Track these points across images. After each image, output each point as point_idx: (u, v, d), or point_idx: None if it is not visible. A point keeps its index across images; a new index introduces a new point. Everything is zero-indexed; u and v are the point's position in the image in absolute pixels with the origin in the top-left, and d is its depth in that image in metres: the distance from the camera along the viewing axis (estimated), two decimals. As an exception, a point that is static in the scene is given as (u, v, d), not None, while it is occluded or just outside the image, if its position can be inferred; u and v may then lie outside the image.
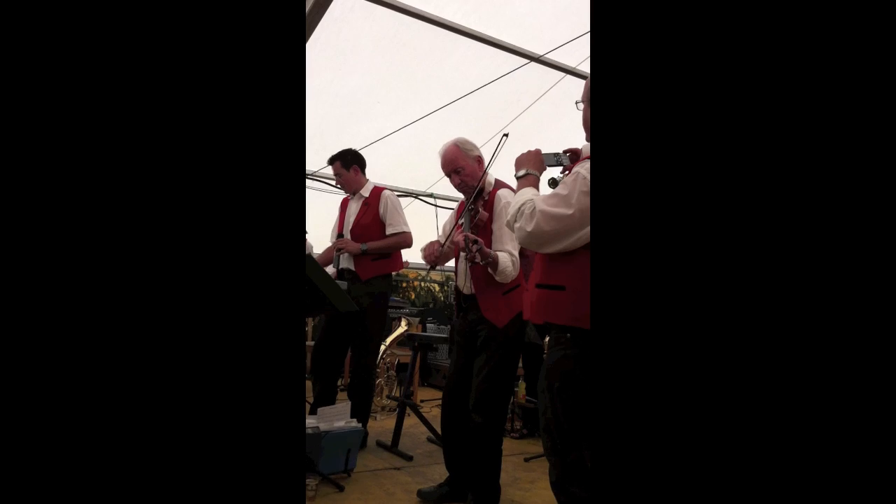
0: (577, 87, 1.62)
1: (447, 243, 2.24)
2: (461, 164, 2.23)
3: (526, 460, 3.03)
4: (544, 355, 2.53)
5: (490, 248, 2.09)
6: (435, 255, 2.18)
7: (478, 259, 1.96)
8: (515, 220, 1.44)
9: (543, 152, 1.60)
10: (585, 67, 3.55)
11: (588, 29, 3.04)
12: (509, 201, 1.99)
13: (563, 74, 3.67)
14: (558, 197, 1.36)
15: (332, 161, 3.13)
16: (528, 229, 1.38)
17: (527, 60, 3.44)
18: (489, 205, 2.20)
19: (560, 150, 1.61)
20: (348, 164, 3.09)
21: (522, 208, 1.42)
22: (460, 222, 2.23)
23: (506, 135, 1.84)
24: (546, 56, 3.40)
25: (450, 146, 2.26)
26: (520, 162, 1.59)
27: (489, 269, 2.08)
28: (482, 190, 2.22)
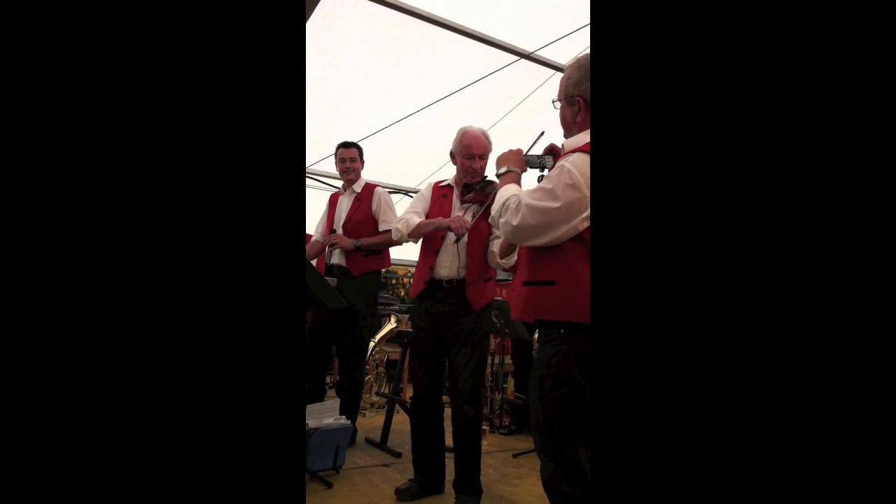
0: (568, 85, 1.62)
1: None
2: (488, 155, 2.31)
3: (514, 456, 3.04)
4: (533, 352, 2.53)
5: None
6: (466, 227, 2.18)
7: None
8: (500, 216, 1.44)
9: (527, 154, 1.60)
10: (575, 65, 3.55)
11: (578, 26, 3.05)
12: None
13: (553, 72, 3.67)
14: (543, 191, 1.37)
15: (349, 145, 3.10)
16: (514, 223, 1.38)
17: (517, 57, 3.44)
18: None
19: (541, 153, 1.62)
20: (362, 155, 3.11)
21: (507, 203, 1.42)
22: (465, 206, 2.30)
23: (542, 132, 1.85)
24: (536, 53, 3.40)
25: (485, 134, 2.31)
26: (501, 160, 1.61)
27: (497, 254, 2.16)
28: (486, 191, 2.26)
